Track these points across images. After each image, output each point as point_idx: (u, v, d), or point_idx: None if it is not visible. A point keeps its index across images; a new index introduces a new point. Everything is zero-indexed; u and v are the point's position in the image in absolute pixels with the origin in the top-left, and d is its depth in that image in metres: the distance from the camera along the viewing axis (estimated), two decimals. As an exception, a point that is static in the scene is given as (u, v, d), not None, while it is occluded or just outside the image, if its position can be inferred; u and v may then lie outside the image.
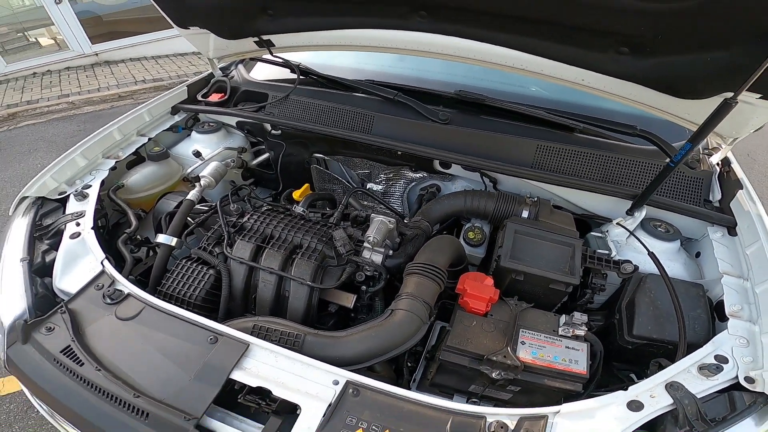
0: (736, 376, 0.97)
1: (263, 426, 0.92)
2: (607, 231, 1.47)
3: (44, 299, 1.17)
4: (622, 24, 1.10)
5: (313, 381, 0.95)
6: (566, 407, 0.94)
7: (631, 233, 1.40)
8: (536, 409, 0.93)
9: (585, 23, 1.14)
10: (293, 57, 2.01)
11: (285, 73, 1.99)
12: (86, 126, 5.15)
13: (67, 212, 1.41)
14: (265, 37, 1.77)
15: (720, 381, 0.97)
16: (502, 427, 0.90)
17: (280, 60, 1.94)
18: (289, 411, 0.92)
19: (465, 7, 1.26)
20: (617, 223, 1.44)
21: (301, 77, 1.87)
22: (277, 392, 0.93)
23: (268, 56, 1.91)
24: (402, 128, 1.63)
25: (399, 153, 1.64)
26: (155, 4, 1.67)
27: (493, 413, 0.93)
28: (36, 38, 7.50)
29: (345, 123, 1.71)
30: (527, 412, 0.93)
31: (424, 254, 1.27)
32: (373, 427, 0.88)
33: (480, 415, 0.92)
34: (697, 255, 1.48)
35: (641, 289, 1.27)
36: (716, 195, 1.47)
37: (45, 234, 1.33)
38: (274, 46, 1.81)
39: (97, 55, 6.95)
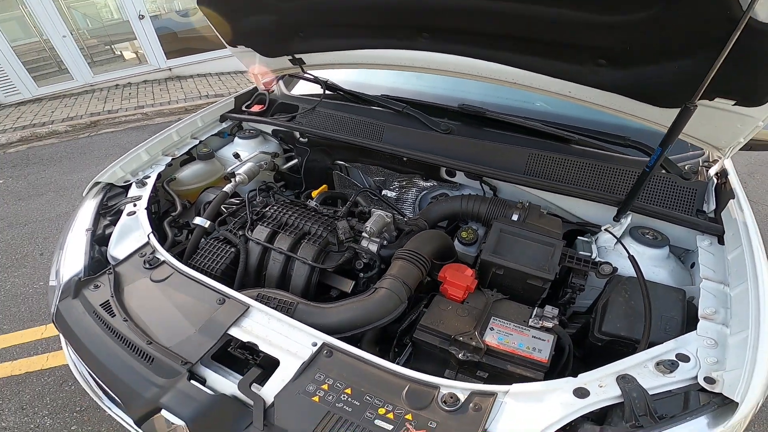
0: (696, 376, 0.97)
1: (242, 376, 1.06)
2: (596, 237, 1.54)
3: (98, 263, 1.44)
4: (594, 38, 1.20)
5: (296, 341, 1.11)
6: (516, 387, 0.99)
7: (618, 239, 1.47)
8: (487, 386, 0.99)
9: (563, 39, 1.26)
10: (325, 74, 2.27)
11: (315, 89, 2.26)
12: (156, 135, 5.75)
13: (128, 196, 1.71)
14: (297, 56, 2.03)
15: (678, 379, 0.97)
16: (452, 398, 0.96)
17: (311, 76, 2.19)
18: (272, 365, 1.07)
19: (459, 28, 1.43)
20: (605, 229, 1.51)
21: (327, 92, 2.12)
22: (263, 347, 1.09)
23: (301, 73, 2.18)
24: (408, 137, 1.81)
25: (405, 159, 1.81)
26: (211, 26, 1.99)
27: (447, 385, 1.00)
28: (121, 51, 8.34)
29: (360, 132, 1.91)
30: (478, 387, 0.99)
31: (411, 243, 1.41)
32: (338, 384, 1.00)
33: (435, 385, 1.00)
34: (692, 265, 1.50)
35: (617, 290, 1.32)
36: (711, 205, 1.51)
37: (108, 212, 1.64)
38: (305, 63, 2.07)
39: (170, 69, 7.70)
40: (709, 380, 0.95)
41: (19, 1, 6.59)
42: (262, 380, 1.05)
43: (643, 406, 0.91)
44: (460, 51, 1.54)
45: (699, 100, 1.15)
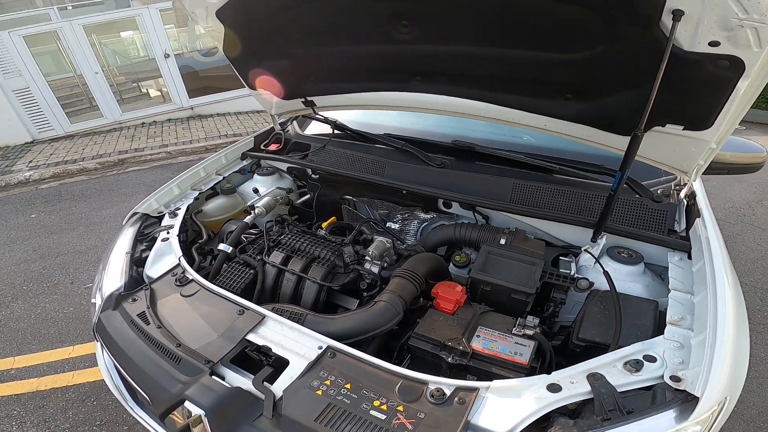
0: (662, 375, 1.06)
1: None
2: (578, 257, 1.70)
3: (135, 281, 1.66)
4: (558, 74, 1.40)
5: (304, 345, 1.28)
6: (496, 383, 1.11)
7: (595, 258, 1.62)
8: (471, 382, 1.13)
9: (534, 76, 1.46)
10: (335, 115, 2.53)
11: (327, 129, 2.51)
12: (178, 174, 6.07)
13: (162, 225, 1.94)
14: (309, 98, 2.29)
15: (645, 377, 1.07)
16: (438, 392, 1.09)
17: (321, 116, 2.46)
18: (283, 366, 1.23)
19: (445, 71, 1.67)
20: (585, 250, 1.67)
21: (335, 132, 2.37)
22: (276, 350, 1.26)
23: (311, 113, 2.44)
24: (407, 172, 2.03)
25: (405, 192, 2.02)
26: (235, 70, 2.27)
27: (434, 381, 1.13)
28: (147, 89, 8.66)
29: (364, 168, 2.14)
30: (463, 383, 1.12)
31: (408, 263, 1.60)
32: (339, 380, 1.16)
33: (424, 381, 1.13)
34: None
35: (593, 301, 1.46)
36: (682, 225, 1.65)
37: (145, 239, 1.87)
38: (315, 105, 2.33)
39: (192, 108, 7.96)
40: (675, 378, 1.04)
41: (54, 36, 6.85)
42: (272, 378, 1.21)
43: (612, 402, 1.01)
44: (449, 91, 1.77)
45: (653, 126, 1.32)
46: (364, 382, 1.16)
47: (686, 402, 0.99)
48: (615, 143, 1.55)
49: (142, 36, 7.70)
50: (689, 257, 1.53)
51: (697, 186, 1.75)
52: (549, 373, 1.35)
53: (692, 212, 1.66)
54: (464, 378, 1.36)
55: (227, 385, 1.19)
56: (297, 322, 1.37)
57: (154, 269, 1.68)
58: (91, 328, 1.51)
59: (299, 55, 1.95)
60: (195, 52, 8.43)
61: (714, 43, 1.06)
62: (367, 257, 1.69)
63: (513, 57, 1.41)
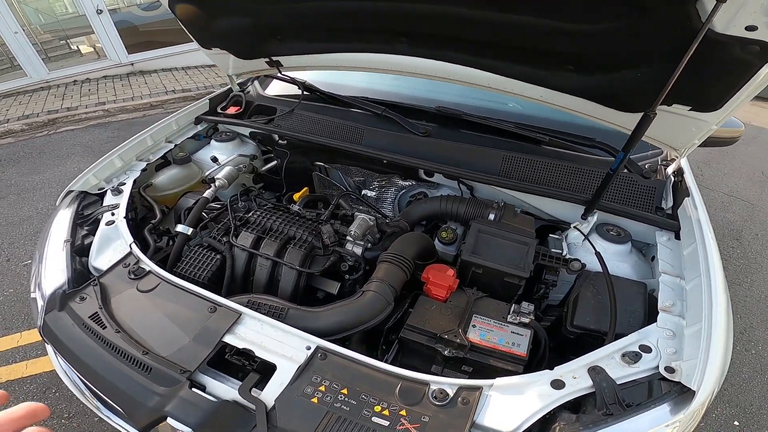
0: (657, 366, 1.05)
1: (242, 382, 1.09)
2: (566, 234, 1.64)
3: (80, 275, 1.42)
4: (564, 45, 1.27)
5: (290, 346, 1.15)
6: (499, 381, 1.06)
7: (585, 236, 1.57)
8: (473, 381, 1.07)
9: (535, 45, 1.32)
10: (301, 75, 2.28)
11: (292, 89, 2.27)
12: (120, 133, 5.53)
13: (104, 204, 1.68)
14: (274, 58, 2.03)
15: (641, 369, 1.06)
16: (442, 393, 1.03)
17: (288, 78, 2.20)
18: (268, 370, 1.10)
19: (435, 34, 1.49)
20: (574, 227, 1.61)
21: (305, 93, 2.13)
22: (259, 353, 1.12)
23: (278, 74, 2.18)
24: (387, 140, 1.85)
25: (385, 162, 1.86)
26: (184, 28, 1.96)
27: (436, 381, 1.06)
28: (77, 46, 7.89)
29: (339, 135, 1.94)
30: (465, 382, 1.06)
31: (395, 246, 1.47)
32: (334, 385, 1.05)
33: (425, 382, 1.06)
34: (653, 258, 1.63)
35: (586, 285, 1.41)
36: (669, 203, 1.62)
37: (85, 222, 1.61)
38: (282, 66, 2.07)
39: (132, 64, 7.38)
40: (669, 370, 1.04)
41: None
42: (260, 384, 1.08)
43: (612, 395, 0.99)
44: (437, 56, 1.59)
45: (660, 105, 1.24)
46: (362, 385, 1.07)
47: (681, 394, 0.99)
48: (614, 119, 1.46)
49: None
50: (676, 237, 1.51)
51: (684, 163, 1.72)
52: (543, 360, 1.35)
53: (679, 190, 1.63)
54: (459, 369, 1.31)
55: (211, 398, 1.05)
56: (278, 319, 1.23)
57: (101, 259, 1.45)
58: (38, 331, 1.30)
59: (264, 11, 1.69)
60: (134, 6, 7.60)
61: (751, 28, 0.98)
62: (348, 237, 1.54)
63: (516, 23, 1.25)
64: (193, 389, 1.06)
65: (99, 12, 6.77)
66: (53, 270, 1.41)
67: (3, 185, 4.31)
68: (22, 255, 3.31)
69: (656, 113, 1.18)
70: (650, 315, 1.30)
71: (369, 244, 1.57)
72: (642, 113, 1.23)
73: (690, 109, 1.27)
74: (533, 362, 1.32)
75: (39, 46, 6.97)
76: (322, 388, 1.05)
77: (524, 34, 1.29)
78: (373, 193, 2.09)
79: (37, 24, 7.51)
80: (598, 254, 1.46)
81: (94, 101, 6.25)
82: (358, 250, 1.54)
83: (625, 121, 1.43)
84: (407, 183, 2.03)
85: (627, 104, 1.37)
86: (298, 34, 1.82)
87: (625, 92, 1.33)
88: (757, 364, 2.67)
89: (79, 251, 1.50)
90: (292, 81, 2.21)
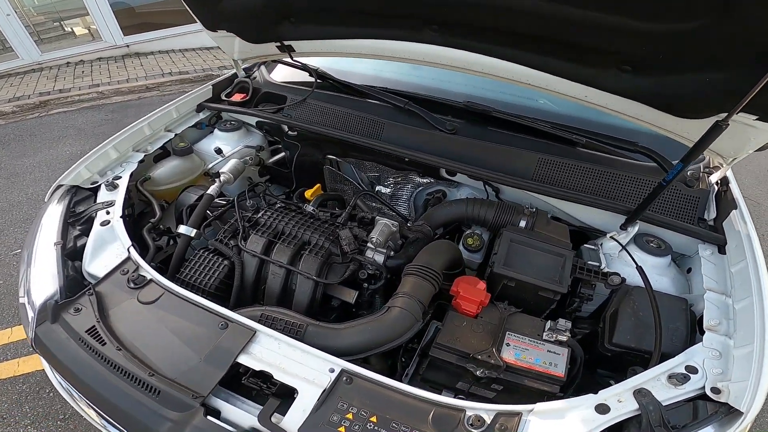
0: (704, 386, 1.01)
1: (262, 407, 1.00)
2: (601, 244, 1.52)
3: (74, 281, 1.29)
4: (625, 44, 1.15)
5: (311, 368, 1.04)
6: (539, 406, 0.99)
7: (623, 247, 1.46)
8: (512, 406, 1.00)
9: (587, 41, 1.20)
10: (312, 61, 2.12)
11: (303, 76, 2.10)
12: (114, 115, 5.34)
13: (98, 201, 1.54)
14: (286, 43, 1.87)
15: (687, 390, 1.02)
16: (479, 420, 0.96)
17: (300, 64, 2.04)
18: (288, 394, 1.01)
19: (472, 23, 1.34)
20: (611, 237, 1.49)
21: (318, 81, 1.98)
22: (278, 376, 1.02)
23: (289, 60, 2.02)
24: (410, 136, 1.71)
25: (406, 160, 1.72)
26: (188, 8, 1.79)
27: (472, 407, 1.00)
28: (71, 28, 7.66)
29: (356, 128, 1.80)
30: (503, 408, 1.00)
31: (422, 257, 1.35)
32: (362, 413, 0.96)
33: (460, 408, 0.99)
34: (689, 270, 1.52)
35: (626, 300, 1.32)
36: (711, 213, 1.52)
37: (77, 220, 1.46)
38: (294, 51, 1.92)
39: (128, 46, 7.13)
40: (715, 390, 1.00)
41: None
42: (280, 409, 0.99)
43: (658, 418, 0.94)
44: (470, 47, 1.45)
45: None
46: (392, 412, 0.98)
47: (727, 415, 0.96)
48: (669, 125, 1.34)
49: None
50: (720, 251, 1.42)
51: (729, 172, 1.60)
52: (577, 377, 1.26)
53: (723, 200, 1.52)
54: (489, 387, 1.22)
55: (230, 428, 0.95)
56: (296, 337, 1.11)
57: (96, 264, 1.31)
58: (30, 344, 1.17)
59: None
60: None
61: None
62: (369, 244, 1.41)
63: (570, 16, 1.11)
64: (209, 417, 0.96)
65: (94, -8, 6.49)
66: (43, 275, 1.28)
67: (-9, 169, 4.13)
68: (12, 243, 3.16)
69: (728, 124, 1.06)
70: (691, 332, 1.26)
71: (391, 252, 1.44)
72: (707, 122, 1.12)
73: (756, 119, 1.16)
74: (568, 380, 1.22)
75: (32, 28, 6.74)
76: (350, 416, 0.96)
77: (579, 29, 1.15)
78: (388, 190, 1.95)
79: (30, 6, 7.28)
80: (639, 268, 1.35)
81: (88, 83, 6.02)
82: (380, 258, 1.41)
83: (680, 128, 1.31)
84: (425, 180, 1.89)
85: (687, 110, 1.24)
86: (315, 16, 1.66)
87: (689, 98, 1.20)
88: None
89: (71, 254, 1.37)
90: (304, 67, 2.05)
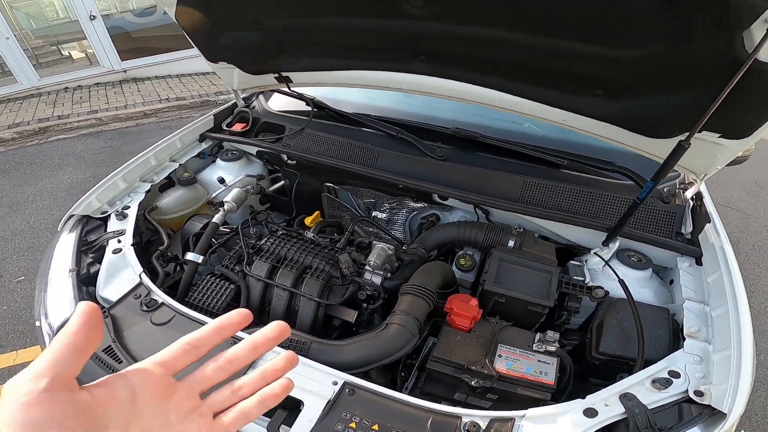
0: (687, 390, 1.07)
1: (270, 418, 1.06)
2: (586, 260, 1.62)
3: (89, 306, 1.36)
4: (595, 70, 1.26)
5: (316, 381, 1.11)
6: (531, 412, 1.05)
7: (606, 262, 1.55)
8: (505, 412, 1.06)
9: (563, 69, 1.30)
10: (309, 91, 2.23)
11: (300, 105, 2.21)
12: (113, 143, 5.40)
13: (108, 230, 1.62)
14: (284, 74, 1.99)
15: (671, 394, 1.08)
16: (474, 426, 1.02)
17: (297, 94, 2.16)
18: (294, 406, 1.07)
19: (456, 54, 1.46)
20: (594, 253, 1.59)
21: (315, 110, 2.09)
22: None
23: (287, 90, 2.14)
24: (403, 163, 1.82)
25: (400, 186, 1.82)
26: (190, 40, 1.90)
27: (467, 414, 1.05)
28: (69, 52, 7.69)
29: (352, 156, 1.90)
30: (497, 414, 1.05)
31: (417, 277, 1.44)
32: (364, 422, 1.02)
33: (457, 415, 1.05)
34: (671, 282, 1.61)
35: (610, 312, 1.41)
36: (688, 227, 1.61)
37: (90, 249, 1.54)
38: (291, 82, 2.03)
39: (125, 71, 7.22)
40: (698, 393, 1.06)
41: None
42: (287, 421, 1.05)
43: (645, 421, 1.00)
44: (456, 76, 1.56)
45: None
46: (393, 421, 1.04)
47: (711, 417, 1.02)
48: (640, 145, 1.44)
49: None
50: (697, 262, 1.51)
51: (702, 186, 1.71)
52: (568, 385, 1.33)
53: (699, 214, 1.62)
54: (484, 397, 1.30)
55: None
56: (301, 353, 1.19)
57: (109, 289, 1.39)
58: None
59: (276, 25, 1.65)
60: (127, 12, 7.47)
61: None
62: (367, 267, 1.51)
63: (547, 46, 1.23)
64: None
65: (92, 18, 6.63)
66: (60, 300, 1.35)
67: (-7, 197, 4.19)
68: (15, 271, 3.21)
69: (690, 144, 1.16)
70: (674, 339, 1.33)
71: (388, 273, 1.53)
72: (675, 141, 1.22)
73: (719, 137, 1.26)
74: (559, 388, 1.30)
75: (30, 52, 6.82)
76: (353, 425, 1.03)
77: (555, 57, 1.26)
78: (384, 215, 2.05)
79: (29, 29, 7.37)
80: (621, 281, 1.44)
81: (86, 109, 6.11)
82: (378, 280, 1.50)
83: (652, 148, 1.41)
84: (419, 205, 2.00)
85: (655, 131, 1.35)
86: (311, 50, 1.78)
87: (655, 119, 1.31)
88: (760, 374, 2.69)
89: (85, 280, 1.44)
90: (300, 97, 2.16)
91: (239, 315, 0.47)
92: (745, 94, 1.07)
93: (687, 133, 1.17)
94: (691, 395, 1.06)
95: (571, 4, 1.07)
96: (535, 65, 1.34)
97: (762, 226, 4.21)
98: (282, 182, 2.24)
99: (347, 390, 1.10)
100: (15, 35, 6.40)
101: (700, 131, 1.25)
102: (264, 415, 1.07)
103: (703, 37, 1.02)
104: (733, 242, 4.20)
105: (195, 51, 1.99)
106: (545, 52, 1.25)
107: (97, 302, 1.39)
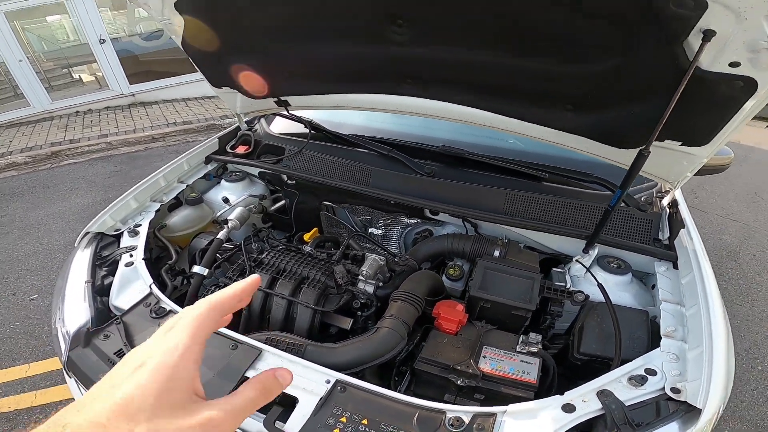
0: (663, 387, 1.11)
1: (266, 415, 1.13)
2: (569, 267, 1.71)
3: (102, 314, 1.47)
4: (563, 86, 1.37)
5: (310, 380, 1.19)
6: (512, 407, 1.11)
7: (587, 269, 1.64)
8: (487, 408, 1.12)
9: (536, 87, 1.42)
10: (309, 114, 2.38)
11: (299, 127, 2.36)
12: (122, 167, 5.57)
13: (121, 246, 1.74)
14: (283, 98, 2.13)
15: (648, 391, 1.12)
16: (458, 421, 1.07)
17: (296, 117, 2.30)
18: (289, 403, 1.15)
19: (439, 77, 1.59)
20: (576, 260, 1.68)
21: (312, 132, 2.23)
22: None
23: (286, 113, 2.28)
24: (394, 181, 1.94)
25: (392, 202, 1.94)
26: (196, 67, 2.05)
27: (451, 409, 1.11)
28: (79, 75, 7.84)
29: (347, 176, 2.02)
30: (480, 410, 1.11)
31: (406, 284, 1.54)
32: (354, 416, 1.10)
33: (441, 411, 1.11)
34: (653, 286, 1.68)
35: (590, 315, 1.48)
36: (665, 234, 1.70)
37: (104, 262, 1.66)
38: (290, 105, 2.17)
39: (134, 95, 7.42)
40: (675, 390, 1.10)
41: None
42: (283, 417, 1.12)
43: (622, 416, 1.04)
44: (441, 97, 1.69)
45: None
46: (381, 416, 1.12)
47: (688, 413, 1.05)
48: (611, 155, 1.55)
49: (72, 20, 7.01)
50: (674, 266, 1.59)
51: (678, 194, 1.81)
52: (552, 385, 1.40)
53: (675, 221, 1.71)
54: (472, 397, 1.36)
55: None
56: (297, 355, 1.28)
57: (121, 299, 1.50)
58: (62, 366, 1.35)
59: (275, 52, 1.79)
60: (135, 36, 7.73)
61: (734, 64, 1.05)
62: (360, 276, 1.61)
63: (517, 66, 1.35)
64: None
65: (102, 41, 6.84)
66: (76, 308, 1.47)
67: (7, 220, 4.35)
68: (29, 290, 3.33)
69: (650, 152, 1.25)
70: (653, 340, 1.35)
71: (380, 283, 1.63)
72: (637, 150, 1.31)
73: (681, 144, 1.35)
74: (543, 388, 1.36)
75: (42, 75, 7.00)
76: (344, 420, 1.10)
77: (525, 75, 1.38)
78: (380, 231, 2.16)
79: (40, 52, 7.54)
80: (600, 285, 1.53)
81: (97, 133, 6.32)
82: (370, 289, 1.60)
83: (622, 157, 1.52)
84: (413, 221, 2.11)
85: (622, 141, 1.46)
86: (307, 76, 1.92)
87: (620, 130, 1.41)
88: (765, 380, 2.72)
89: (99, 291, 1.55)
90: (299, 119, 2.31)
91: (252, 279, 0.51)
92: (695, 101, 1.16)
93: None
94: (668, 392, 1.09)
95: (531, 27, 1.19)
96: (511, 85, 1.46)
97: (763, 235, 4.28)
98: (283, 202, 2.36)
99: (339, 387, 1.18)
100: (27, 57, 6.59)
101: (661, 140, 1.36)
102: (259, 411, 1.15)
103: (650, 50, 1.11)
104: (733, 252, 4.24)
105: (199, 75, 2.13)
106: (518, 73, 1.38)
107: (110, 311, 1.50)
